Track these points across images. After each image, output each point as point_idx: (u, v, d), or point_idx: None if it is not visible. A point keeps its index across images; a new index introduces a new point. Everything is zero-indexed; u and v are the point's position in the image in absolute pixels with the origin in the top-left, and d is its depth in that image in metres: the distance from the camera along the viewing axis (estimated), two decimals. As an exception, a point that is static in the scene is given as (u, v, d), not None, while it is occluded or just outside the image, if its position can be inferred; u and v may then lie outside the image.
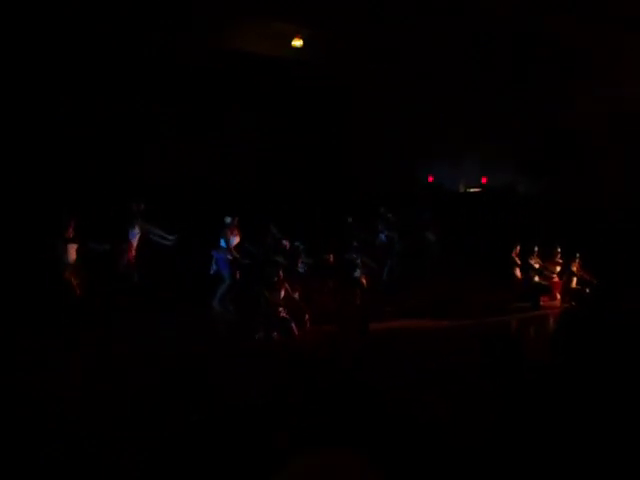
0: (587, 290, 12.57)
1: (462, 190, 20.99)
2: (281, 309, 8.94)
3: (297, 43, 16.43)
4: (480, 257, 14.97)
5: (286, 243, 11.10)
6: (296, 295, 9.52)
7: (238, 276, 11.00)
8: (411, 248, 14.36)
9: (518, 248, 12.89)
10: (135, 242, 10.68)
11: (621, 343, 9.36)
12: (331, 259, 10.89)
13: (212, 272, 11.06)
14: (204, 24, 14.47)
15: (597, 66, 17.13)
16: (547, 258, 13.04)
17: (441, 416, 6.03)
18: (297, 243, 11.19)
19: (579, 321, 11.30)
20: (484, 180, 20.31)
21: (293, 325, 8.85)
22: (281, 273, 9.05)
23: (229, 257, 10.95)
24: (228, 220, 11.15)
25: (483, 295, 12.95)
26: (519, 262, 12.84)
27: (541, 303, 12.57)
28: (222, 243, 11.03)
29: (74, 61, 13.63)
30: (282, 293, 9.07)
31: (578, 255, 12.98)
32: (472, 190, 20.87)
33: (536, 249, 12.95)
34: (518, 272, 12.86)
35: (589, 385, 7.27)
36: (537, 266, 12.80)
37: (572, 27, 15.86)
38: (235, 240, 11.16)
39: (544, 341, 10.52)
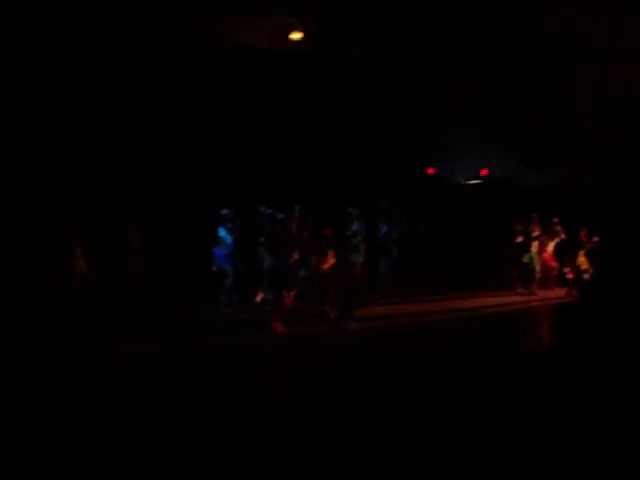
0: (589, 279, 12.53)
1: (462, 182, 21.00)
2: None
3: (296, 36, 16.41)
4: (477, 248, 15.00)
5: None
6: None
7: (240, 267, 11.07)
8: (407, 240, 14.32)
9: (520, 239, 12.88)
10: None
11: (620, 334, 9.45)
12: (329, 233, 10.71)
13: (214, 269, 11.08)
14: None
15: (595, 51, 17.15)
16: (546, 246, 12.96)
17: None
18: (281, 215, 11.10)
19: (581, 312, 11.38)
20: (485, 172, 20.31)
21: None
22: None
23: (228, 251, 10.95)
24: (225, 212, 11.10)
25: (479, 286, 13.11)
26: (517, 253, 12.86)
27: (535, 290, 12.67)
28: (222, 232, 10.97)
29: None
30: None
31: (584, 242, 12.86)
32: (472, 182, 20.89)
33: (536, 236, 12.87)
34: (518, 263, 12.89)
35: (589, 376, 7.34)
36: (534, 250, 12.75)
37: (569, 12, 15.85)
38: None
39: (544, 332, 10.58)
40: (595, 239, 12.39)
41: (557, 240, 12.77)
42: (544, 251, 12.77)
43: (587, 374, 7.34)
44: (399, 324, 9.91)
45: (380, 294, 11.98)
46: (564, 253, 12.79)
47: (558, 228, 12.75)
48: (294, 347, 8.41)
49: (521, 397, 6.46)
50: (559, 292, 12.83)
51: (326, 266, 9.93)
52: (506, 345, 8.85)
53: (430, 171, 20.68)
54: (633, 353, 8.33)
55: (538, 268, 12.77)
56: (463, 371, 7.36)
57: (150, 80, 15.27)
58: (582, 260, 12.49)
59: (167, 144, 15.33)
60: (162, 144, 15.16)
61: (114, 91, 14.58)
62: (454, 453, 4.99)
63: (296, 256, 9.40)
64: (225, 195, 12.69)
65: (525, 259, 12.67)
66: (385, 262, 13.69)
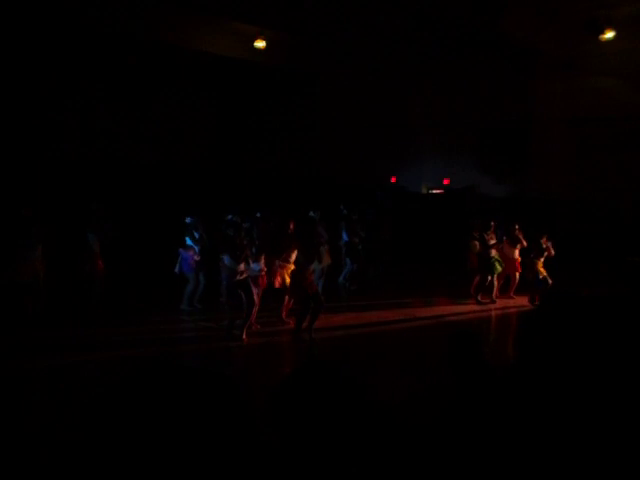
0: (550, 286, 12.48)
1: (424, 191, 21.16)
2: None
3: (260, 45, 16.36)
4: (438, 256, 15.02)
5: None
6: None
7: (202, 276, 10.97)
8: (367, 247, 14.25)
9: (478, 247, 12.85)
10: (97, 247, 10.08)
11: (584, 342, 9.49)
12: (291, 226, 10.56)
13: (177, 271, 10.91)
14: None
15: (554, 67, 17.46)
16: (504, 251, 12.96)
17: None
18: (246, 224, 10.92)
19: (543, 321, 11.38)
20: (446, 181, 20.49)
21: None
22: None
23: (195, 257, 10.81)
24: (188, 220, 10.98)
25: (439, 294, 13.15)
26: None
27: (495, 299, 12.71)
28: (188, 241, 10.85)
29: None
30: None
31: (544, 249, 12.83)
32: (434, 191, 21.06)
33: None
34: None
35: (551, 385, 7.33)
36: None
37: (531, 29, 16.13)
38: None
39: (507, 341, 10.57)
40: (551, 249, 12.47)
41: (519, 247, 12.79)
42: (508, 258, 12.78)
43: (549, 384, 7.33)
44: (360, 333, 9.84)
45: (340, 301, 11.92)
46: (524, 260, 12.80)
47: (519, 235, 12.78)
48: (253, 358, 8.31)
49: (487, 409, 6.42)
50: (521, 300, 12.81)
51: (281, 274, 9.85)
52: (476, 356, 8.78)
53: (393, 180, 20.81)
54: (595, 362, 8.36)
55: (496, 276, 12.73)
56: (432, 381, 7.26)
57: (114, 82, 15.32)
58: (542, 267, 12.52)
59: (131, 146, 15.28)
60: (126, 146, 15.15)
61: (79, 93, 14.61)
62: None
63: (262, 263, 9.34)
64: (189, 202, 12.59)
65: (496, 269, 12.61)
66: (346, 269, 13.69)
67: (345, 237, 13.63)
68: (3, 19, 12.75)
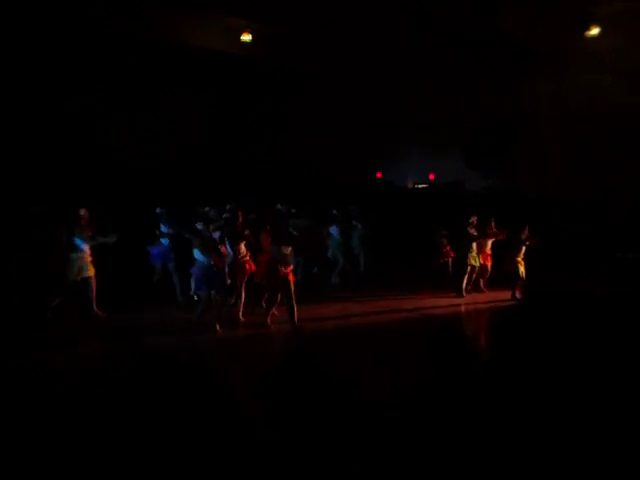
0: (531, 281, 12.55)
1: (410, 186, 21.28)
2: None
3: (246, 38, 16.38)
4: (421, 250, 15.12)
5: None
6: None
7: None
8: (349, 240, 14.35)
9: (446, 242, 13.06)
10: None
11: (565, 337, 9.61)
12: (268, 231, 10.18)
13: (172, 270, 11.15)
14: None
15: (544, 64, 17.58)
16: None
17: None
18: (225, 215, 10.95)
19: (525, 316, 11.47)
20: (432, 176, 20.62)
21: None
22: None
23: (161, 250, 11.05)
24: (159, 211, 11.16)
25: (423, 287, 13.26)
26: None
27: (465, 292, 12.82)
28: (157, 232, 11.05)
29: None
30: None
31: (525, 244, 12.89)
32: (420, 186, 21.18)
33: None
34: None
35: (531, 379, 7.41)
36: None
37: (523, 26, 16.24)
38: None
39: (489, 336, 10.64)
40: (533, 240, 12.55)
41: (491, 240, 12.92)
42: (482, 251, 12.91)
43: (529, 377, 7.43)
44: (345, 325, 9.96)
45: (324, 294, 12.06)
46: (507, 254, 12.86)
47: (493, 229, 12.88)
48: (240, 350, 8.35)
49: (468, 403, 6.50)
50: (503, 294, 12.85)
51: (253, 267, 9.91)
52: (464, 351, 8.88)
53: (378, 175, 20.92)
54: (576, 356, 8.48)
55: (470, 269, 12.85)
56: (415, 375, 7.26)
57: (113, 82, 15.43)
58: (522, 260, 12.56)
59: (131, 146, 15.39)
60: (126, 145, 15.27)
61: (79, 93, 14.70)
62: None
63: (241, 250, 9.40)
64: (186, 199, 12.68)
65: (472, 261, 12.71)
66: (328, 262, 13.82)
67: (335, 234, 13.75)
68: (3, 19, 12.77)
